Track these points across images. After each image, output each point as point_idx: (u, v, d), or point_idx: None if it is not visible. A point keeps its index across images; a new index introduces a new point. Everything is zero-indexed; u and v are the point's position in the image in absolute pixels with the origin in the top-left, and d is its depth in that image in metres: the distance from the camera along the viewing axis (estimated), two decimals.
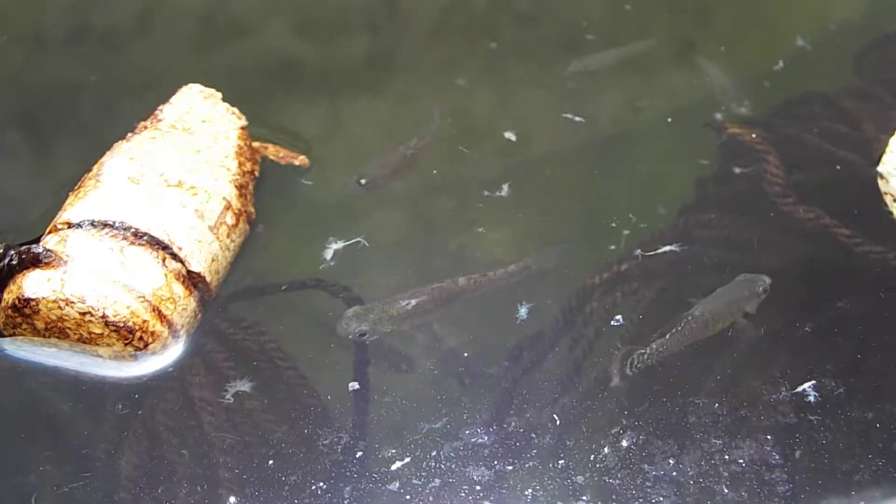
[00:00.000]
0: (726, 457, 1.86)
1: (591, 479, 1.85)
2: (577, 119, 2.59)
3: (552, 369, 2.04)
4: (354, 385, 1.99)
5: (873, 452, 1.87)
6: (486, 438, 1.91)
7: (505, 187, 2.37)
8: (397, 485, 1.84)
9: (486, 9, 3.02)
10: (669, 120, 2.62)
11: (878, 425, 1.91)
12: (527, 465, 1.88)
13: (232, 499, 1.83)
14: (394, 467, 1.87)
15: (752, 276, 2.12)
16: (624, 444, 1.90)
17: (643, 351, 1.99)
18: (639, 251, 2.21)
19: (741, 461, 1.85)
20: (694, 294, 2.16)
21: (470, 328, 2.10)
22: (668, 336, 2.01)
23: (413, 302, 2.07)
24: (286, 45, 2.90)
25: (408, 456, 1.88)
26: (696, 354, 2.03)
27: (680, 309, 2.12)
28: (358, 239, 2.22)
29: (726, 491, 1.82)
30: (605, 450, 1.89)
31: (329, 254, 2.19)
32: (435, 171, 2.50)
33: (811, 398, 1.93)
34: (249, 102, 2.40)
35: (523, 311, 2.09)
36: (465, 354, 2.05)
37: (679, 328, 2.01)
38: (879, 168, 2.27)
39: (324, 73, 2.83)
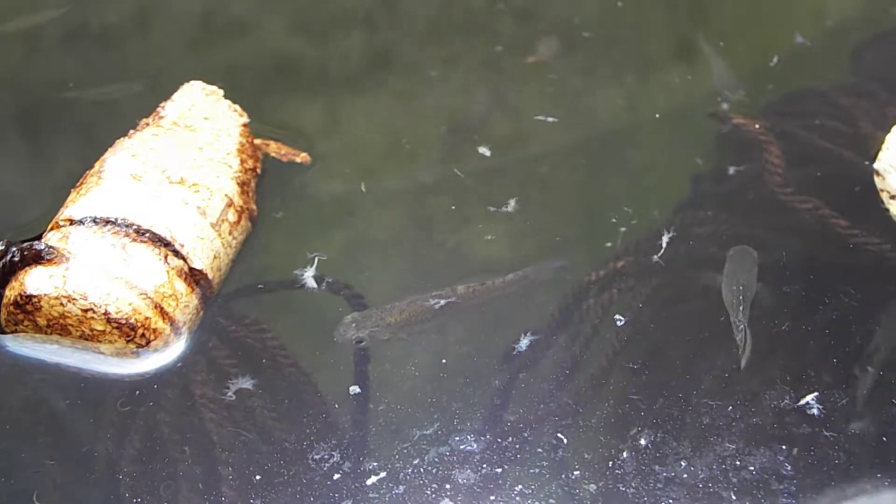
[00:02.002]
0: (737, 462, 1.86)
1: (605, 486, 1.85)
2: (550, 120, 2.59)
3: (549, 367, 2.04)
4: (355, 389, 1.99)
5: (879, 467, 1.87)
6: (475, 445, 1.90)
7: (512, 202, 2.35)
8: (402, 489, 1.85)
9: (484, 7, 3.03)
10: (657, 115, 2.64)
11: (884, 438, 1.90)
12: (529, 470, 1.88)
13: (233, 495, 1.83)
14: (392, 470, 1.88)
15: (740, 247, 2.15)
16: (622, 444, 1.90)
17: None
18: (656, 257, 2.20)
19: (752, 468, 1.85)
20: (691, 292, 2.17)
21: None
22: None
23: (411, 310, 2.06)
24: (285, 43, 2.90)
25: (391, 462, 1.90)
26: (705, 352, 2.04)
27: (676, 306, 2.14)
28: (315, 255, 2.19)
29: (734, 497, 1.82)
30: (611, 451, 1.89)
31: (310, 283, 2.16)
32: (433, 170, 2.52)
33: (815, 410, 1.92)
34: (249, 100, 2.41)
35: (524, 342, 2.06)
36: (443, 361, 2.04)
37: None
38: (875, 165, 2.28)
39: (323, 71, 2.83)
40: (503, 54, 2.85)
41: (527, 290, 2.18)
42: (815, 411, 1.91)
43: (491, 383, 1.99)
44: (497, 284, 2.14)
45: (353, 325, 2.03)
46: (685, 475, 1.83)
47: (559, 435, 1.90)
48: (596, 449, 1.90)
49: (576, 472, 1.85)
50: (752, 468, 1.83)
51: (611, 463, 1.87)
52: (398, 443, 1.89)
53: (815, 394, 1.93)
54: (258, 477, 1.84)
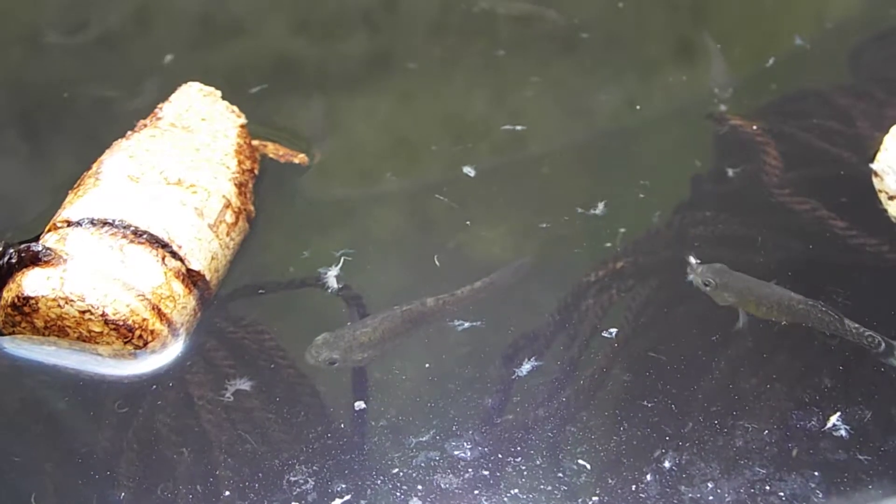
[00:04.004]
0: (767, 487, 1.83)
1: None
2: (518, 128, 2.58)
3: (548, 367, 2.03)
4: (360, 405, 1.97)
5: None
6: (469, 452, 1.90)
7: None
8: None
9: (483, 8, 3.02)
10: (638, 107, 2.65)
11: None
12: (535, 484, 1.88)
13: (231, 496, 1.83)
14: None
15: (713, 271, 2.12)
16: (619, 442, 1.91)
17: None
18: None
19: (781, 493, 1.82)
20: (691, 293, 2.17)
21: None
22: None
23: (383, 327, 2.02)
24: (285, 43, 2.90)
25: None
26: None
27: (675, 307, 2.14)
28: (343, 253, 2.20)
29: None
30: (605, 443, 1.90)
31: (332, 282, 2.15)
32: (434, 169, 2.52)
33: (842, 432, 1.89)
34: (247, 101, 2.41)
35: (526, 367, 2.04)
36: (442, 363, 2.04)
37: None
38: (873, 166, 2.28)
39: (322, 72, 2.83)
40: (503, 55, 2.84)
41: (523, 290, 2.19)
42: (842, 433, 1.89)
43: (489, 387, 1.99)
44: (466, 293, 2.11)
45: (325, 346, 1.98)
46: (711, 497, 1.82)
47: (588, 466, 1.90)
48: (591, 444, 1.91)
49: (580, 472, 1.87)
50: (781, 493, 1.81)
51: (601, 453, 1.88)
52: (392, 452, 1.90)
53: (839, 413, 1.91)
54: (227, 493, 1.84)
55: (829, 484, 1.83)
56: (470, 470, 1.86)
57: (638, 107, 2.66)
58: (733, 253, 2.23)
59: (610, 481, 1.84)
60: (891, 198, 2.24)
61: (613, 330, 2.07)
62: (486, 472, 1.85)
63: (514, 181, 2.46)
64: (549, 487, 1.84)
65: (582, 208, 2.39)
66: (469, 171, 2.43)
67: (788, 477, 1.83)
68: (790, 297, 2.05)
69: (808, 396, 1.95)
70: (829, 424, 1.89)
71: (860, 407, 1.93)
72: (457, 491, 1.83)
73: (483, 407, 1.95)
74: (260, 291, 2.17)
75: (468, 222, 2.33)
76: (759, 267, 2.18)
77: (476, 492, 1.83)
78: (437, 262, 2.16)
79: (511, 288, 2.18)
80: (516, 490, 1.84)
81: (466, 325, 2.07)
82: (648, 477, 1.84)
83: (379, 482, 1.84)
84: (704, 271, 2.09)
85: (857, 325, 2.01)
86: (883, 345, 2.00)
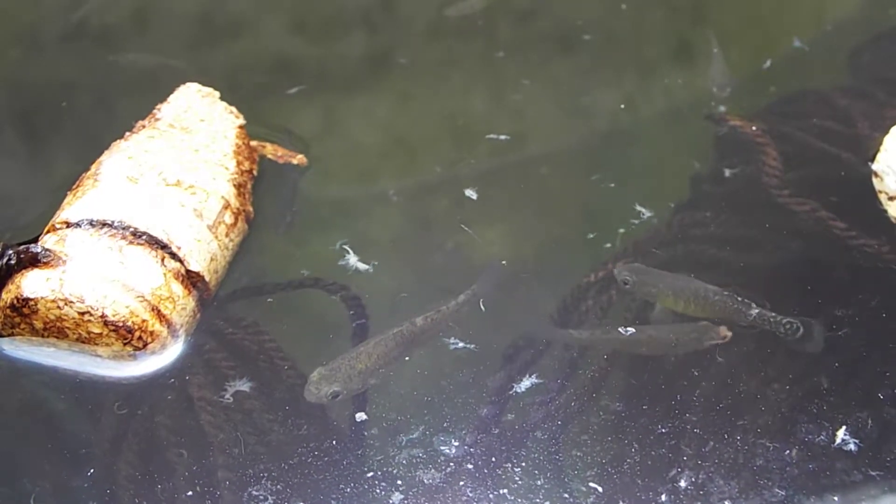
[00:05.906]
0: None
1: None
2: (503, 138, 2.58)
3: (547, 368, 2.03)
4: (362, 416, 1.97)
5: None
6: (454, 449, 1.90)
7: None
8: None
9: (483, 8, 3.02)
10: (622, 105, 2.66)
11: None
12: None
13: (230, 497, 1.83)
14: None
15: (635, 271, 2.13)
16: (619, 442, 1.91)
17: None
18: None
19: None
20: None
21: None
22: None
23: (378, 352, 1.99)
24: (284, 43, 2.90)
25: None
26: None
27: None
28: (341, 243, 2.20)
29: None
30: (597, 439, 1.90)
31: (360, 265, 2.17)
32: (433, 170, 2.52)
33: (852, 446, 1.88)
34: (246, 101, 2.41)
35: (525, 384, 2.02)
36: (441, 362, 2.03)
37: None
38: (873, 166, 2.28)
39: (321, 72, 2.83)
40: (502, 56, 2.84)
41: (523, 292, 2.19)
42: (851, 447, 1.88)
43: (487, 388, 1.99)
44: (451, 308, 2.09)
45: (323, 381, 1.93)
46: None
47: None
48: (585, 442, 1.91)
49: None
50: None
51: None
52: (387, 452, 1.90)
53: (845, 426, 1.90)
54: (190, 493, 1.84)
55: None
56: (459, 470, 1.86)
57: (622, 105, 2.66)
58: (732, 254, 2.23)
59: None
60: (891, 198, 2.24)
61: (631, 329, 2.06)
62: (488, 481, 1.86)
63: (512, 182, 2.46)
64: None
65: (581, 209, 2.40)
66: (471, 193, 2.41)
67: (808, 500, 1.82)
68: (706, 289, 2.06)
69: (816, 407, 1.95)
70: (839, 440, 1.88)
71: (862, 416, 1.92)
72: (441, 485, 1.84)
73: (480, 415, 1.95)
74: (269, 300, 2.17)
75: (465, 225, 2.33)
76: (758, 268, 2.17)
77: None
78: (482, 307, 2.14)
79: (494, 293, 2.15)
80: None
81: (461, 345, 2.06)
82: (663, 498, 1.84)
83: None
84: (621, 271, 2.10)
85: (773, 314, 2.01)
86: (801, 329, 2.00)
